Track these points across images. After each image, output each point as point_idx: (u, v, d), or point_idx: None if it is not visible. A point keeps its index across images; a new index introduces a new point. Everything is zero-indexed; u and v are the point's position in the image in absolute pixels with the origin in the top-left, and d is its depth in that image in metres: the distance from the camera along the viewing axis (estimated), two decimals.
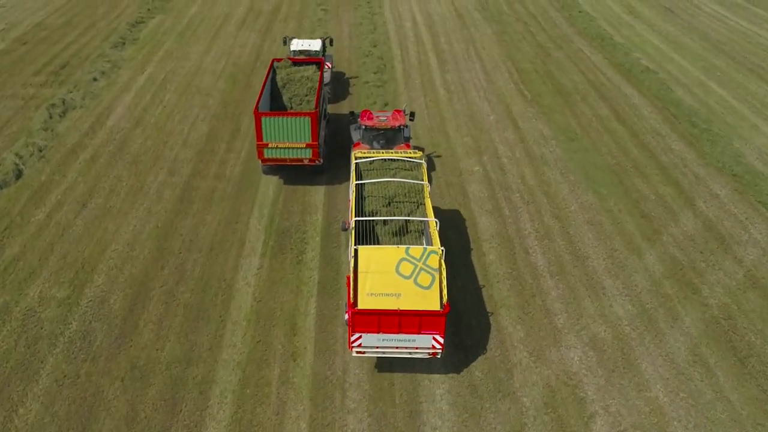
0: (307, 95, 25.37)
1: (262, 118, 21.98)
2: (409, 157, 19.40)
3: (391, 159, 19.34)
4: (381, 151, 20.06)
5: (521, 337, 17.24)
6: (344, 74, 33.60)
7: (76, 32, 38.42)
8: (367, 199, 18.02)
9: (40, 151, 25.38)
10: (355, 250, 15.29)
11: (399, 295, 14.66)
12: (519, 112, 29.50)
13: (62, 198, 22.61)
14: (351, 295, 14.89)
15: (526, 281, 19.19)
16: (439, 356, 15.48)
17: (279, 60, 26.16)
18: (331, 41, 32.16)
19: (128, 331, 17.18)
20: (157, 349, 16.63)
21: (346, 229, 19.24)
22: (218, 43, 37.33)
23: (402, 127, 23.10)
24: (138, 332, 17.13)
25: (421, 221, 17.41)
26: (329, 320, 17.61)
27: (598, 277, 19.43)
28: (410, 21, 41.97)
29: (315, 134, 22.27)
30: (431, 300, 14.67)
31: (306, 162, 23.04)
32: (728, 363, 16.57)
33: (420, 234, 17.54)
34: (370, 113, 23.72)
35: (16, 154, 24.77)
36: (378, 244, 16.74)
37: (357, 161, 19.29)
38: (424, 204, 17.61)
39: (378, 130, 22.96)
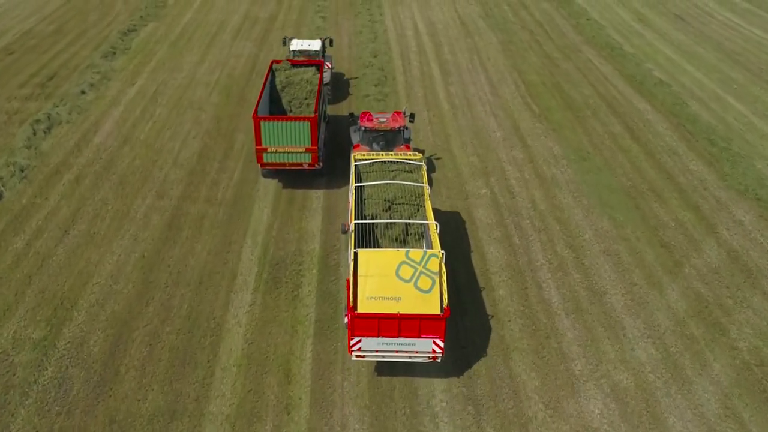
0: (306, 98, 24.89)
1: (261, 123, 21.59)
2: (409, 160, 19.19)
3: (391, 161, 19.15)
4: (381, 153, 19.88)
5: (536, 386, 15.81)
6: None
7: (66, 40, 36.97)
8: (366, 201, 17.81)
9: (22, 171, 23.95)
10: (355, 254, 15.12)
11: (399, 298, 14.50)
12: (527, 129, 28.07)
13: (43, 224, 21.18)
14: (350, 299, 14.67)
15: (540, 320, 17.77)
16: (439, 360, 15.10)
17: (278, 62, 25.63)
18: (330, 41, 31.44)
19: (108, 378, 15.76)
20: (139, 400, 15.21)
21: (345, 232, 19.09)
22: (212, 52, 35.86)
23: (402, 128, 22.71)
24: (119, 379, 15.72)
25: (421, 224, 17.12)
26: (326, 366, 16.19)
27: (617, 315, 18.00)
28: (412, 29, 40.50)
29: (314, 139, 21.88)
30: (431, 304, 14.47)
31: (305, 166, 22.48)
32: (764, 417, 15.12)
33: (420, 237, 17.35)
34: (370, 115, 23.42)
35: None
36: (377, 247, 16.69)
37: (357, 163, 19.11)
38: (425, 206, 17.39)
39: (378, 131, 22.63)
